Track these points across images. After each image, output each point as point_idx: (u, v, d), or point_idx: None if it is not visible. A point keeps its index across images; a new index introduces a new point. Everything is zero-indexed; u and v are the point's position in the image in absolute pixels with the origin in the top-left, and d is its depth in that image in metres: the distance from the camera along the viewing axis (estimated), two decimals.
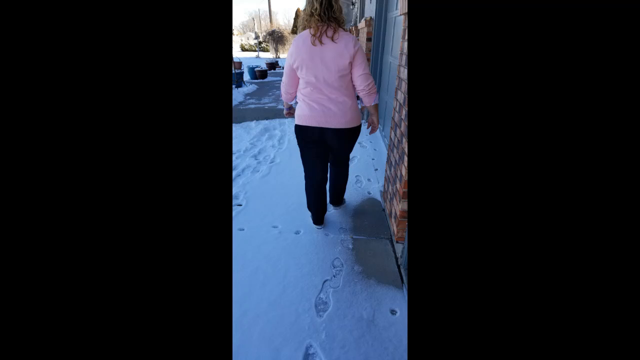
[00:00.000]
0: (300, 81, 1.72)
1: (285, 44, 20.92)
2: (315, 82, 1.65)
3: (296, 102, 1.84)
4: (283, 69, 11.32)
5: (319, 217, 2.09)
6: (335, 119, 1.72)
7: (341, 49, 1.58)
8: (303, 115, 1.75)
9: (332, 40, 1.57)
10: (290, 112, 1.99)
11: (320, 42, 1.57)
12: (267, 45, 25.18)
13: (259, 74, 9.07)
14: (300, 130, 1.80)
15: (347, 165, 2.12)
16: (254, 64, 11.30)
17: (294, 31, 24.43)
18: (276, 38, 20.13)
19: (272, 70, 11.39)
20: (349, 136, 1.82)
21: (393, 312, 1.41)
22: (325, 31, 1.57)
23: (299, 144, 1.90)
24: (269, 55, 22.09)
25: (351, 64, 1.62)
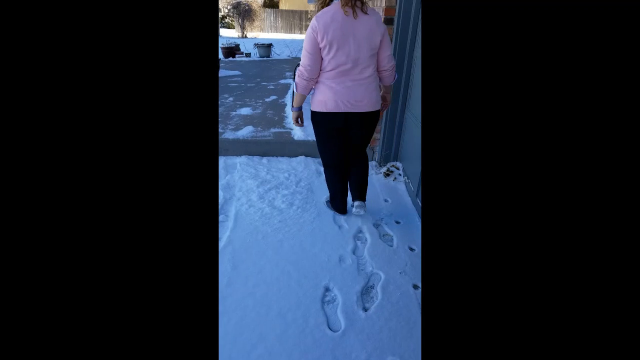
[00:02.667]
0: (323, 63, 1.61)
1: (254, 20, 17.72)
2: (346, 63, 1.58)
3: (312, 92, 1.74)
4: (246, 55, 8.48)
5: (344, 205, 2.08)
6: (363, 103, 1.68)
7: (373, 25, 1.55)
8: (327, 101, 1.67)
9: (363, 12, 1.53)
10: (300, 117, 1.85)
11: (355, 15, 1.50)
12: (231, 21, 21.70)
13: None
14: (324, 118, 1.73)
15: (367, 156, 2.04)
16: None
17: (267, 4, 21.14)
18: (242, 12, 16.87)
19: (231, 59, 8.33)
20: (374, 119, 1.79)
21: None
22: (355, 2, 1.50)
23: (319, 134, 1.83)
24: (233, 34, 18.77)
25: (381, 42, 1.60)
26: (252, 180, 2.64)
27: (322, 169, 2.62)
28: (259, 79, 5.82)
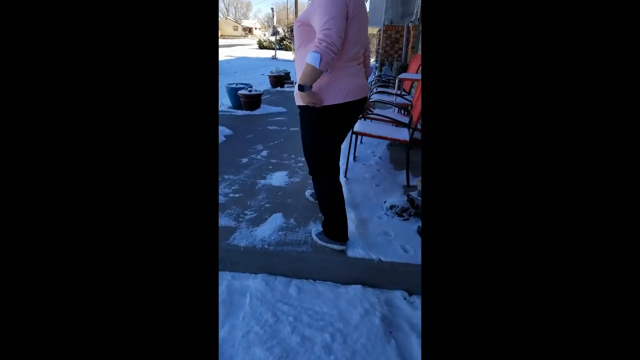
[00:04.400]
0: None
1: None
2: (359, 42, 1.45)
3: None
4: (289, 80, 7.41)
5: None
6: (365, 87, 1.60)
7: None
8: (350, 89, 1.46)
9: None
10: (316, 97, 1.45)
11: None
12: (289, 44, 21.39)
13: (245, 102, 4.96)
14: (345, 110, 1.48)
15: None
16: (245, 79, 7.47)
17: None
18: None
19: (279, 89, 7.35)
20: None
21: None
22: None
23: (333, 132, 1.54)
24: (288, 56, 18.37)
25: None
26: (262, 348, 1.44)
27: (394, 320, 1.62)
28: None
